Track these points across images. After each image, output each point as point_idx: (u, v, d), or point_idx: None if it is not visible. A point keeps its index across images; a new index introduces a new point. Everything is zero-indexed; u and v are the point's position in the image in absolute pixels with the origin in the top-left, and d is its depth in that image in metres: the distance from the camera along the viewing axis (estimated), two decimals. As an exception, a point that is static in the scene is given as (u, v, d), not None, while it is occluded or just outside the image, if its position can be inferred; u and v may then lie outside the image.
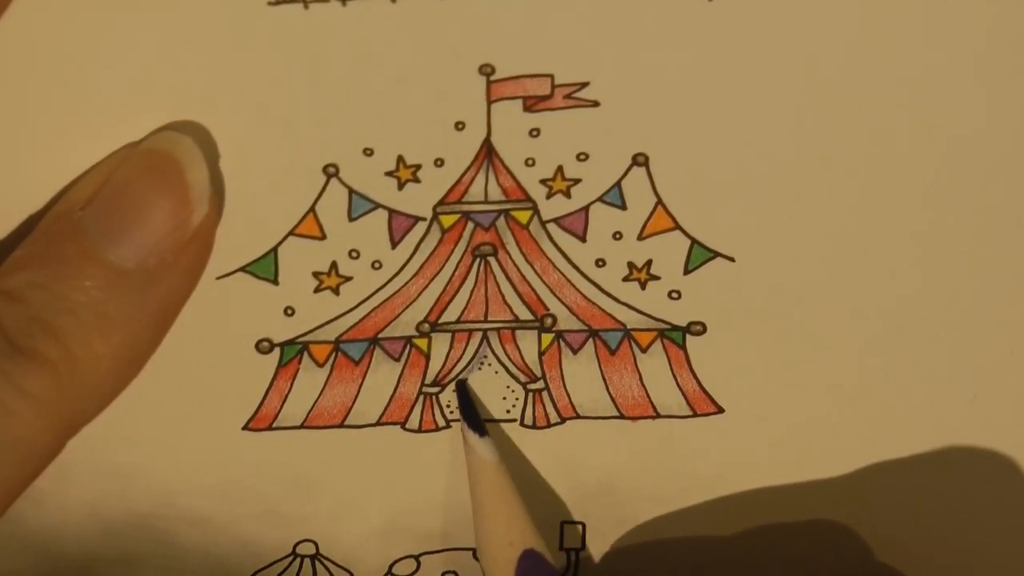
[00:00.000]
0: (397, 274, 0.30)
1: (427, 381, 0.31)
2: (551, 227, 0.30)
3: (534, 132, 0.29)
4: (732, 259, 0.30)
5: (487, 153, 0.29)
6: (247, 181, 0.29)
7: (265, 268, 0.30)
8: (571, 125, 0.29)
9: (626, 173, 0.29)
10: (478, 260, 0.30)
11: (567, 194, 0.30)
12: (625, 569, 0.33)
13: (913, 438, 0.32)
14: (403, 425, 0.31)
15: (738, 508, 0.33)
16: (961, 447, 0.32)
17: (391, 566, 0.33)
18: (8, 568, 0.32)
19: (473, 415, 0.31)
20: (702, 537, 0.33)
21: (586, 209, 0.30)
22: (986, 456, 0.32)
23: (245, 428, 0.31)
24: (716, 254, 0.30)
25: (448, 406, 0.31)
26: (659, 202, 0.30)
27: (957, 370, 0.31)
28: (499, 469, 0.31)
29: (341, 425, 0.31)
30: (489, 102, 0.29)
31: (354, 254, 0.30)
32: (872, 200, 0.30)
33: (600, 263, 0.30)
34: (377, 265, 0.30)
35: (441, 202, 0.30)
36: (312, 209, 0.29)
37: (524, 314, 0.31)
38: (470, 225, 0.30)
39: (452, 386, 0.31)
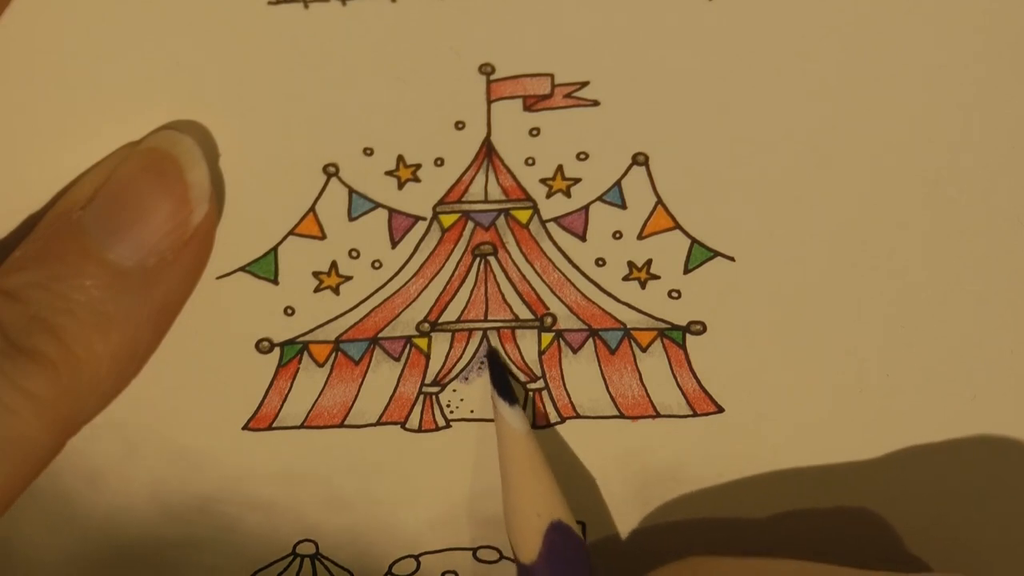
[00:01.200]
0: (397, 274, 0.30)
1: (427, 381, 0.31)
2: (551, 226, 0.30)
3: (534, 131, 0.29)
4: (732, 259, 0.30)
5: (487, 152, 0.29)
6: (247, 181, 0.29)
7: (265, 268, 0.30)
8: (571, 124, 0.29)
9: (626, 172, 0.29)
10: (478, 259, 0.30)
11: (567, 193, 0.30)
12: (625, 568, 0.33)
13: (912, 437, 0.32)
14: (403, 425, 0.31)
15: (738, 507, 0.33)
16: (961, 446, 0.32)
17: (391, 566, 0.33)
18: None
19: (504, 384, 0.31)
20: (702, 536, 0.33)
21: (586, 208, 0.30)
22: (985, 456, 0.32)
23: (245, 428, 0.31)
24: (716, 254, 0.30)
25: (448, 405, 0.31)
26: (659, 202, 0.30)
27: (957, 369, 0.31)
28: (529, 439, 0.30)
29: (341, 425, 0.31)
30: (489, 101, 0.29)
31: (354, 254, 0.30)
32: (872, 200, 0.30)
33: (600, 262, 0.30)
34: (377, 265, 0.30)
35: (441, 202, 0.30)
36: (312, 209, 0.29)
37: (524, 313, 0.31)
38: (470, 224, 0.30)
39: (452, 385, 0.31)
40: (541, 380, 0.31)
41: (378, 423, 0.31)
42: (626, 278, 0.30)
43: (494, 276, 0.30)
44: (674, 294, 0.30)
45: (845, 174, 0.29)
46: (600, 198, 0.30)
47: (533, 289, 0.30)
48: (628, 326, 0.31)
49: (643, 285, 0.30)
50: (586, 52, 0.28)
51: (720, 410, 0.31)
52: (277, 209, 0.29)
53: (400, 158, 0.29)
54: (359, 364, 0.31)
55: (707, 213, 0.30)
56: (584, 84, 0.29)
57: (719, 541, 0.33)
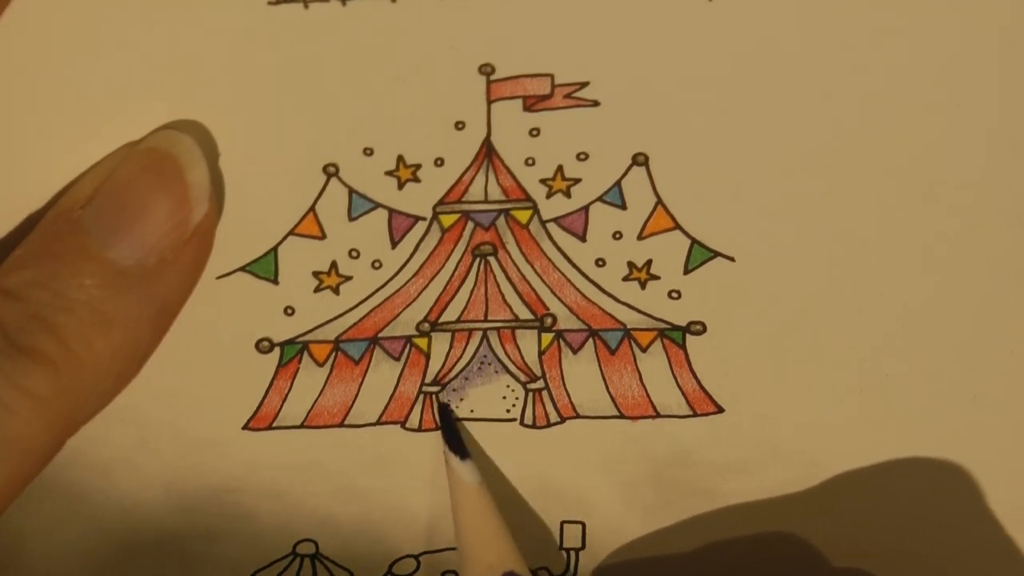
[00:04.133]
0: (397, 274, 0.30)
1: (427, 380, 0.31)
2: (551, 227, 0.30)
3: (534, 132, 0.29)
4: (732, 259, 0.30)
5: (487, 153, 0.29)
6: (247, 181, 0.29)
7: (265, 268, 0.30)
8: (571, 125, 0.29)
9: (626, 173, 0.29)
10: (478, 260, 0.30)
11: (567, 194, 0.30)
12: (624, 568, 0.33)
13: (912, 438, 0.32)
14: (403, 424, 0.31)
15: (738, 508, 0.33)
16: (960, 447, 0.32)
17: (391, 566, 0.33)
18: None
19: (455, 438, 0.31)
20: (701, 537, 0.33)
21: (586, 209, 0.30)
22: (985, 456, 0.32)
23: (245, 428, 0.31)
24: (716, 254, 0.30)
25: (448, 405, 0.31)
26: (659, 202, 0.30)
27: (957, 370, 0.31)
28: (480, 491, 0.31)
29: (341, 425, 0.31)
30: (489, 102, 0.29)
31: (354, 254, 0.30)
32: (872, 200, 0.30)
33: (600, 263, 0.30)
34: (377, 265, 0.30)
35: (441, 202, 0.30)
36: (312, 209, 0.29)
37: (524, 314, 0.31)
38: (470, 225, 0.30)
39: (452, 386, 0.31)
40: (541, 380, 0.31)
41: (378, 423, 0.31)
42: (626, 278, 0.30)
43: (494, 276, 0.30)
44: (674, 294, 0.30)
45: (845, 174, 0.29)
46: (600, 198, 0.30)
47: (533, 289, 0.30)
48: (628, 326, 0.31)
49: (643, 285, 0.30)
50: (586, 52, 0.28)
51: (720, 410, 0.31)
52: (277, 209, 0.29)
53: (400, 158, 0.29)
54: (359, 364, 0.31)
55: (707, 213, 0.30)
56: (584, 84, 0.29)
57: (719, 542, 0.33)
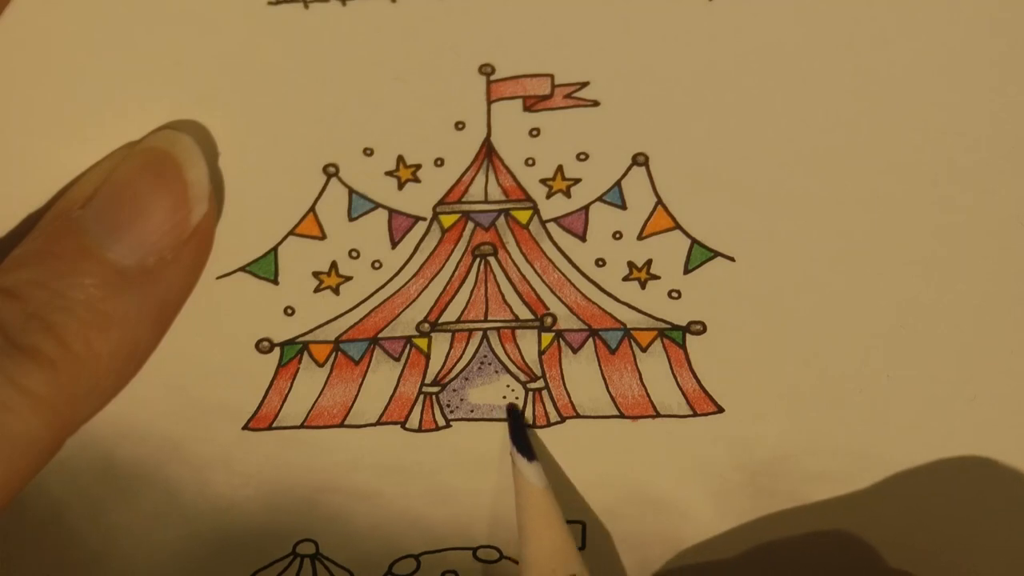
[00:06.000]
0: (397, 274, 0.30)
1: (427, 381, 0.31)
2: (551, 227, 0.30)
3: (534, 132, 0.29)
4: (732, 259, 0.30)
5: (487, 153, 0.29)
6: (247, 180, 0.29)
7: (265, 268, 0.30)
8: (571, 125, 0.29)
9: (626, 173, 0.29)
10: (478, 260, 0.30)
11: (567, 194, 0.30)
12: (624, 567, 0.33)
13: (913, 438, 0.32)
14: (403, 425, 0.31)
15: (737, 508, 0.33)
16: (960, 447, 0.32)
17: (391, 566, 0.33)
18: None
19: (523, 439, 0.31)
20: (700, 538, 0.33)
21: (586, 209, 0.30)
22: (985, 457, 0.32)
23: (245, 428, 0.31)
24: (716, 254, 0.30)
25: (448, 405, 0.31)
26: (659, 202, 0.30)
27: (957, 370, 0.31)
28: (546, 494, 0.31)
29: (341, 425, 0.31)
30: (489, 102, 0.29)
31: (354, 254, 0.30)
32: (872, 200, 0.30)
33: (600, 263, 0.30)
34: (377, 265, 0.30)
35: (441, 202, 0.30)
36: (312, 209, 0.29)
37: (524, 313, 0.31)
38: (470, 225, 0.30)
39: (452, 386, 0.31)
40: (541, 380, 0.31)
41: (378, 423, 0.31)
42: (626, 278, 0.30)
43: (494, 276, 0.30)
44: (674, 294, 0.30)
45: (845, 174, 0.29)
46: (600, 198, 0.30)
47: (533, 289, 0.30)
48: (628, 326, 0.31)
49: (643, 285, 0.30)
50: (586, 52, 0.28)
51: (720, 410, 0.31)
52: (277, 209, 0.29)
53: (400, 158, 0.29)
54: (359, 364, 0.31)
55: (707, 213, 0.30)
56: (584, 84, 0.29)
57: (718, 543, 0.33)
